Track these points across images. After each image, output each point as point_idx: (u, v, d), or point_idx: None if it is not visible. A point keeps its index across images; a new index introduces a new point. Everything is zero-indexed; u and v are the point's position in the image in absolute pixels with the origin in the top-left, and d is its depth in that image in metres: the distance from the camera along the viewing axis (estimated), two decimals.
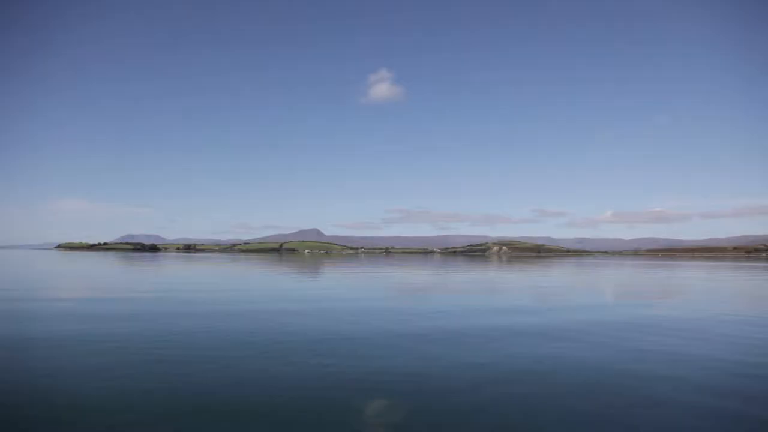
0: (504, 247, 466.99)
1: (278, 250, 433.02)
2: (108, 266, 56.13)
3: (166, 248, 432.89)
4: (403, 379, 8.02)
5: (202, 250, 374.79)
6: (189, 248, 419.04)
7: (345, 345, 10.70)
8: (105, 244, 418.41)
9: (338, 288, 28.53)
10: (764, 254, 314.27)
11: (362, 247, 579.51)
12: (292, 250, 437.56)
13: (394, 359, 9.43)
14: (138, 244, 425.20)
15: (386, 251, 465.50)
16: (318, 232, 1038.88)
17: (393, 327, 13.20)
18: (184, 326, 12.57)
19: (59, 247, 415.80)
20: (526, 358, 9.56)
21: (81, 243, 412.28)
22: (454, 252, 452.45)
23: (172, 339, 10.84)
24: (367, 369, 8.63)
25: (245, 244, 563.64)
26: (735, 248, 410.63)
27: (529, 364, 9.08)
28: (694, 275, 48.33)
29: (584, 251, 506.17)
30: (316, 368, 8.63)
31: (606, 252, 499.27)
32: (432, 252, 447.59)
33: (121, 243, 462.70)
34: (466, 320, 14.69)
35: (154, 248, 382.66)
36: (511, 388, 7.59)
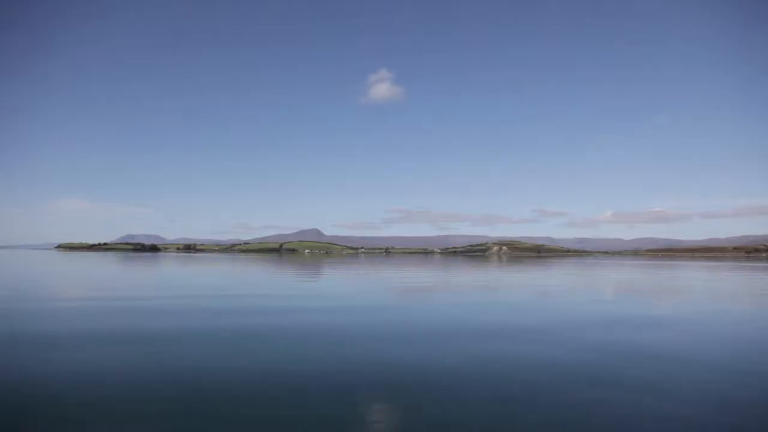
0: (504, 247, 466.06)
1: (278, 251, 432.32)
2: (106, 268, 55.86)
3: (166, 248, 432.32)
4: None
5: (202, 251, 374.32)
6: (189, 248, 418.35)
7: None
8: (105, 244, 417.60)
9: (340, 293, 28.23)
10: (764, 254, 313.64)
11: (362, 247, 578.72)
12: (292, 251, 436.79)
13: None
14: (138, 244, 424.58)
15: (386, 251, 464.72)
16: (318, 232, 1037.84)
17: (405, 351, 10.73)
18: (149, 351, 10.92)
19: (59, 247, 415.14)
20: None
21: (81, 243, 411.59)
22: (454, 252, 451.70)
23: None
24: None
25: (245, 244, 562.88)
26: (735, 248, 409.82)
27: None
28: (707, 277, 48.02)
29: (584, 251, 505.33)
30: None
31: (606, 252, 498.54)
32: (432, 252, 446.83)
33: (121, 243, 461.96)
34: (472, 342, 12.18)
35: (154, 248, 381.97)
36: None
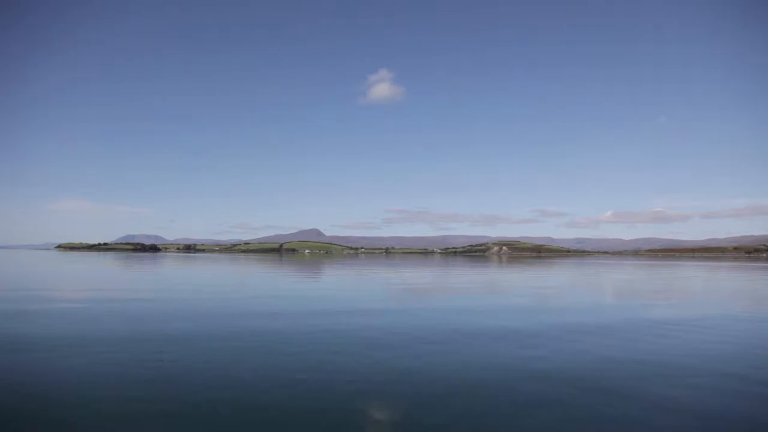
0: (504, 248, 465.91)
1: (278, 251, 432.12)
2: (106, 269, 55.85)
3: (166, 248, 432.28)
4: None
5: (203, 251, 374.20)
6: (189, 248, 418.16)
7: None
8: (105, 244, 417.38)
9: (340, 294, 28.08)
10: (764, 254, 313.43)
11: (362, 247, 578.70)
12: (292, 251, 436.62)
13: None
14: (138, 244, 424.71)
15: (386, 251, 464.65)
16: (318, 232, 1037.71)
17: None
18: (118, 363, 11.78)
19: (59, 247, 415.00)
20: None
21: (81, 243, 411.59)
22: (455, 252, 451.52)
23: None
24: None
25: (245, 244, 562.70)
26: (735, 248, 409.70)
27: None
28: (707, 277, 47.96)
29: (584, 251, 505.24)
30: None
31: (606, 252, 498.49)
32: (432, 252, 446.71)
33: (121, 243, 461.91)
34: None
35: (154, 248, 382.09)
36: None
